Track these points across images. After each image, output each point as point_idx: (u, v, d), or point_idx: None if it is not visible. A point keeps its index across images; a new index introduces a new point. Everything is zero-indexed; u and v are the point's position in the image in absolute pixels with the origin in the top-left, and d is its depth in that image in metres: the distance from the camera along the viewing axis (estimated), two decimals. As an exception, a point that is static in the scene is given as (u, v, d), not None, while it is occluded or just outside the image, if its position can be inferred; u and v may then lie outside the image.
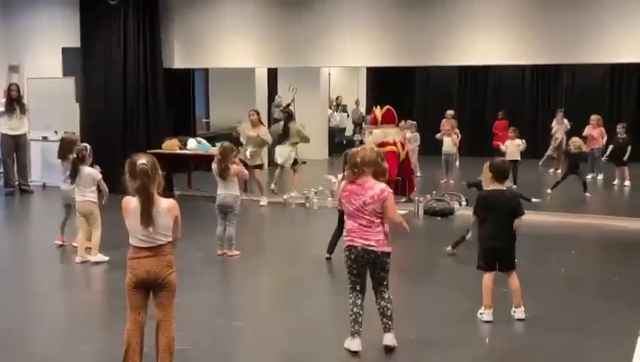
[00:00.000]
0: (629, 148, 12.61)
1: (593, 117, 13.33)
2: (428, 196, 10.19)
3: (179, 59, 11.76)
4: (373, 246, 4.58)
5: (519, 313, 5.37)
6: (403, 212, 9.95)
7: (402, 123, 12.52)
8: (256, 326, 5.33)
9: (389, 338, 4.73)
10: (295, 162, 11.45)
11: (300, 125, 11.79)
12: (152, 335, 4.09)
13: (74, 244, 7.47)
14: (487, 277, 5.35)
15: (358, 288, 4.68)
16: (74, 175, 7.07)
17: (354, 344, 4.67)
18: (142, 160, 3.98)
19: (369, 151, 4.65)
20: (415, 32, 10.13)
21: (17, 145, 11.70)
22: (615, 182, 12.83)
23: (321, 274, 7.02)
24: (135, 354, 4.05)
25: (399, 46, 10.34)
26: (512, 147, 11.92)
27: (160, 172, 4.06)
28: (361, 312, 4.67)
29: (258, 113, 11.38)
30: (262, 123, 11.43)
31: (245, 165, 10.80)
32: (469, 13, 9.89)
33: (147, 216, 3.92)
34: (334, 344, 4.82)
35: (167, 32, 11.65)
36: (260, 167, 11.09)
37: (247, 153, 10.78)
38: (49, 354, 4.77)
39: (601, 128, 13.28)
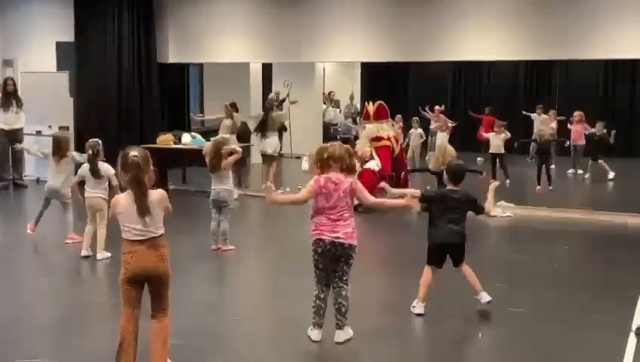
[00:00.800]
0: (611, 141, 12.66)
1: (576, 113, 13.42)
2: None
3: (173, 54, 11.76)
4: (342, 238, 4.64)
5: (484, 296, 5.38)
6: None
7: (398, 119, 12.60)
8: (250, 321, 5.36)
9: (339, 335, 4.78)
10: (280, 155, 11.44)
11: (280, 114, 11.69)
12: (146, 329, 4.11)
13: (67, 241, 7.56)
14: (427, 272, 5.40)
15: (323, 282, 4.77)
16: (95, 171, 7.08)
17: (314, 334, 4.81)
18: (133, 152, 4.01)
19: (338, 147, 4.74)
20: (409, 27, 10.16)
21: (13, 140, 11.68)
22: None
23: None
24: (130, 347, 4.07)
25: (393, 41, 10.37)
26: (496, 140, 12.07)
27: (151, 166, 4.07)
28: (323, 306, 4.78)
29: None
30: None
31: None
32: (463, 9, 9.92)
33: (144, 206, 3.95)
34: (329, 337, 4.85)
35: (161, 27, 11.65)
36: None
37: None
38: (42, 348, 4.77)
39: (584, 124, 13.35)
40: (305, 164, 7.11)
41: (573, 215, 9.61)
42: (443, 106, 14.89)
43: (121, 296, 4.10)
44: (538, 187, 11.58)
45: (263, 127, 11.29)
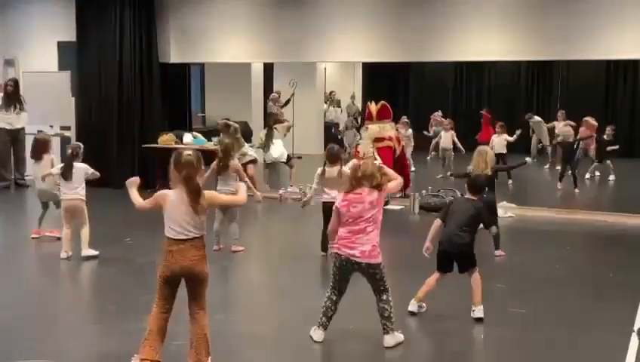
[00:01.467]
0: (616, 146, 12.69)
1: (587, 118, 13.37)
2: (424, 191, 10.21)
3: (175, 54, 11.75)
4: (358, 257, 4.64)
5: (477, 312, 5.31)
6: (398, 207, 10.04)
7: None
8: (253, 321, 5.36)
9: (387, 340, 4.79)
10: (289, 158, 11.44)
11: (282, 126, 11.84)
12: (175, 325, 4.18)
13: (47, 233, 7.74)
14: (435, 275, 5.41)
15: (337, 287, 4.81)
16: (68, 172, 7.07)
17: (316, 334, 4.84)
18: (187, 151, 4.14)
19: (370, 165, 4.77)
20: (411, 27, 10.15)
21: (15, 140, 11.69)
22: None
23: (317, 269, 7.05)
24: (155, 341, 4.14)
25: (395, 41, 10.36)
26: (499, 141, 12.31)
27: (203, 167, 4.18)
28: (332, 308, 4.81)
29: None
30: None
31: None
32: (465, 9, 9.91)
33: (197, 204, 4.03)
34: (331, 337, 4.86)
35: (163, 27, 11.64)
36: (254, 162, 11.10)
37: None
38: (41, 349, 4.77)
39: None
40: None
41: (576, 215, 9.62)
42: (440, 112, 15.01)
43: (156, 290, 4.18)
44: (559, 185, 11.65)
45: (267, 144, 11.38)
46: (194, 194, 4.03)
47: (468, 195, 5.55)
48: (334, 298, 4.82)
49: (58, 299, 6.18)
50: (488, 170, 6.75)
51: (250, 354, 4.78)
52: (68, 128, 11.88)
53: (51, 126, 12.05)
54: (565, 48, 9.56)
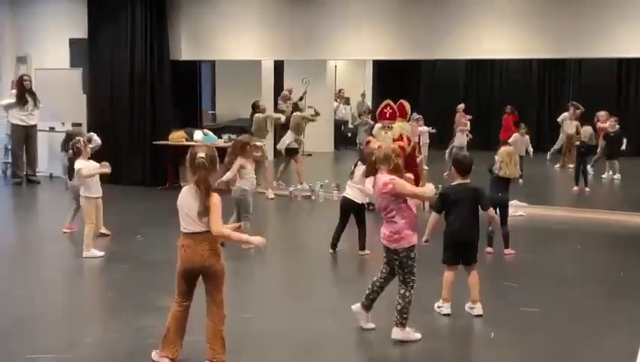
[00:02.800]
0: (625, 141, 12.56)
1: (601, 113, 13.26)
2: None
3: (186, 51, 11.77)
4: (385, 241, 4.79)
5: (477, 309, 5.33)
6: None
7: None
8: (264, 318, 5.37)
9: (395, 332, 4.83)
10: (295, 151, 11.44)
11: (302, 115, 11.80)
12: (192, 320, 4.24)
13: (64, 230, 7.73)
14: (449, 272, 5.38)
15: (384, 270, 4.91)
16: (71, 171, 7.07)
17: (355, 306, 5.01)
18: (201, 153, 4.14)
19: (384, 148, 4.85)
20: (422, 25, 10.12)
21: (27, 136, 11.76)
22: (603, 175, 12.78)
23: (327, 267, 7.05)
24: (175, 335, 4.23)
25: (405, 39, 10.34)
26: (520, 143, 11.94)
27: (218, 164, 4.26)
28: (374, 290, 4.91)
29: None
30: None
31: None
32: (476, 7, 9.87)
33: (205, 206, 4.07)
34: (341, 335, 4.86)
35: (174, 24, 11.67)
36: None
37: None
38: (54, 344, 4.80)
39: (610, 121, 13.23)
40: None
41: (586, 214, 9.58)
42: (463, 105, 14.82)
43: (175, 286, 4.26)
44: (575, 187, 11.55)
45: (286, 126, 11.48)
46: (203, 195, 4.09)
47: (459, 180, 5.35)
48: (381, 276, 4.92)
49: (69, 294, 6.21)
50: (516, 172, 6.82)
51: (262, 351, 4.79)
52: (79, 125, 11.93)
53: (63, 123, 12.12)
54: (577, 46, 9.49)
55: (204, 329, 4.22)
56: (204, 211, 4.07)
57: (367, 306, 4.97)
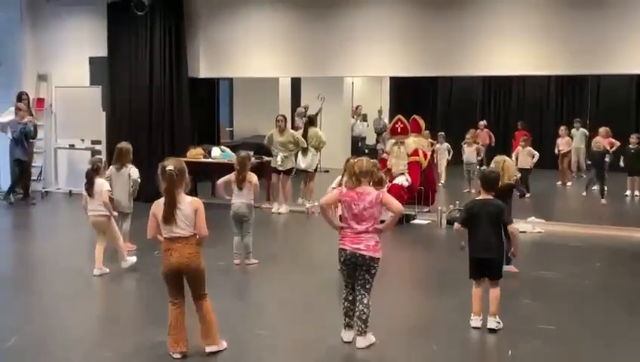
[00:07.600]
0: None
1: (601, 129, 13.23)
2: (451, 206, 10.17)
3: (204, 69, 11.89)
4: (363, 250, 4.86)
5: (491, 322, 5.32)
6: (425, 222, 9.99)
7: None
8: (278, 334, 5.37)
9: (360, 342, 4.93)
10: (315, 168, 11.42)
11: (318, 132, 11.68)
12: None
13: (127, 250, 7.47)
14: (476, 288, 5.41)
15: (349, 286, 5.02)
16: (90, 188, 7.01)
17: (345, 335, 5.07)
18: (170, 166, 4.56)
19: (365, 162, 4.98)
20: (438, 42, 10.15)
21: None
22: (627, 193, 12.67)
23: (339, 282, 7.02)
24: (177, 329, 4.68)
25: (422, 56, 10.36)
26: (522, 155, 12.06)
27: (187, 175, 4.65)
28: (352, 307, 5.01)
29: (285, 119, 11.41)
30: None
31: (277, 171, 10.91)
32: (493, 24, 9.89)
33: (169, 214, 4.53)
34: (352, 350, 4.85)
35: (192, 42, 11.79)
36: (290, 171, 11.10)
37: (279, 159, 10.87)
38: (75, 358, 4.83)
39: (610, 139, 13.16)
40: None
41: (605, 231, 9.49)
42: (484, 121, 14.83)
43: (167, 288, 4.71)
44: (603, 200, 11.59)
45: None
46: (168, 205, 4.53)
47: (483, 195, 5.44)
48: (350, 297, 5.02)
49: (87, 310, 6.24)
50: (513, 174, 6.79)
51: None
52: (99, 142, 12.07)
53: (82, 140, 12.25)
54: (596, 62, 9.46)
55: (198, 321, 4.71)
56: (171, 219, 4.49)
57: (352, 324, 5.03)
